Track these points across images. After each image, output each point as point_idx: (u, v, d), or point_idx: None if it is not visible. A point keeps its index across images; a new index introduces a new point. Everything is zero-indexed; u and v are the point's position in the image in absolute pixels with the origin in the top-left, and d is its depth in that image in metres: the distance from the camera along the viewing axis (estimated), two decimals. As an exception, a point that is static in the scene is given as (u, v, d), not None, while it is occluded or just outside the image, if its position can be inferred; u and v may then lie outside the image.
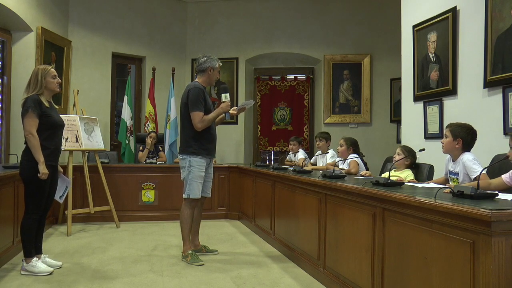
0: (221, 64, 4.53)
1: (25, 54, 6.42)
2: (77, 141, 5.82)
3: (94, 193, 5.91)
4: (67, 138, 5.71)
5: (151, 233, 5.64)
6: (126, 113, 7.42)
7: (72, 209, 5.59)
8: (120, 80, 8.29)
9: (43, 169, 3.67)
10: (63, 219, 5.96)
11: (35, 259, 3.82)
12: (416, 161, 4.18)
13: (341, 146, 5.12)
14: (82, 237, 5.35)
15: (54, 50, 6.92)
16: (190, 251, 4.27)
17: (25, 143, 3.75)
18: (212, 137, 4.40)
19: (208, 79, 4.41)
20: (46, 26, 6.68)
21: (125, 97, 7.49)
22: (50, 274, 3.79)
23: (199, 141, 4.27)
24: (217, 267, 4.07)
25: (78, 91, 6.42)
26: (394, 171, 4.09)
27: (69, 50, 7.33)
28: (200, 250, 4.50)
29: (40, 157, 3.66)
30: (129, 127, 7.40)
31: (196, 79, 4.44)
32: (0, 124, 6.22)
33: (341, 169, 4.89)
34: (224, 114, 4.40)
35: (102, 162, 6.10)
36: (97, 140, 6.12)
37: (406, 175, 3.98)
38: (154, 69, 7.84)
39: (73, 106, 6.29)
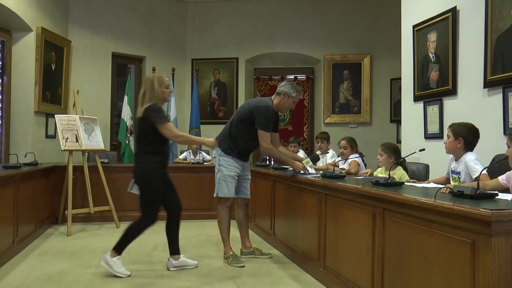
0: (301, 96, 4.41)
1: (25, 54, 6.43)
2: (77, 141, 5.82)
3: (94, 193, 5.90)
4: (67, 138, 5.71)
5: (151, 233, 5.58)
6: (126, 113, 7.41)
7: (72, 209, 5.58)
8: (120, 80, 8.29)
9: (209, 141, 3.97)
10: (63, 219, 5.95)
11: (117, 257, 3.83)
12: (407, 160, 4.16)
13: (345, 149, 5.06)
14: (82, 237, 5.35)
15: (54, 50, 6.92)
16: (231, 253, 4.22)
17: (137, 152, 3.80)
18: (251, 149, 4.38)
19: (279, 103, 4.28)
20: (46, 26, 6.68)
21: (125, 97, 7.48)
22: (129, 276, 3.78)
23: (237, 145, 4.24)
24: (217, 267, 4.06)
25: (78, 91, 6.42)
26: (385, 171, 4.11)
27: (69, 50, 7.33)
28: (252, 253, 4.46)
29: (197, 141, 4.04)
30: (129, 127, 7.38)
31: (272, 97, 4.35)
32: (0, 124, 6.22)
33: (342, 169, 4.88)
34: (290, 170, 4.35)
35: (102, 162, 6.09)
36: (97, 140, 6.12)
37: (401, 174, 3.97)
38: (154, 69, 7.83)
39: (73, 106, 6.29)
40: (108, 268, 3.78)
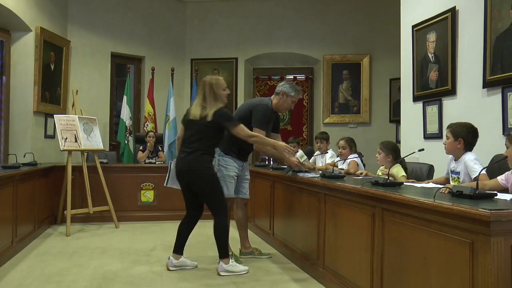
0: (300, 96, 4.41)
1: (24, 54, 6.43)
2: (76, 141, 5.82)
3: (93, 193, 5.90)
4: (66, 138, 5.71)
5: (151, 233, 5.64)
6: (125, 113, 7.42)
7: (71, 209, 5.58)
8: (119, 80, 8.29)
9: (280, 146, 4.02)
10: (62, 219, 5.95)
11: (232, 259, 3.93)
12: (406, 160, 4.17)
13: (344, 149, 5.06)
14: (81, 237, 5.35)
15: (53, 50, 6.92)
16: (230, 253, 4.13)
17: (193, 151, 3.80)
18: (250, 149, 4.37)
19: (278, 103, 4.29)
20: (45, 26, 6.68)
21: (124, 97, 7.49)
22: (247, 272, 3.90)
23: (237, 145, 4.22)
24: (216, 268, 4.06)
25: (77, 91, 6.41)
26: (383, 171, 4.11)
27: (68, 50, 7.33)
28: (251, 253, 4.46)
29: (269, 144, 4.02)
30: (128, 127, 7.39)
31: (272, 97, 4.36)
32: (-1, 124, 6.23)
33: (341, 169, 4.88)
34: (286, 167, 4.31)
35: (101, 162, 6.09)
36: (96, 140, 6.13)
37: (397, 171, 3.96)
38: (153, 69, 7.84)
39: (72, 106, 6.29)
40: (230, 274, 3.84)
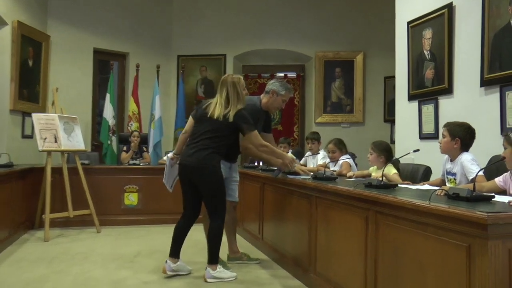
0: (291, 95, 4.40)
1: (0, 49, 6.35)
2: (56, 141, 5.77)
3: (74, 196, 5.84)
4: (45, 138, 5.66)
5: (135, 238, 5.60)
6: (108, 112, 7.38)
7: (50, 213, 5.52)
8: (102, 78, 8.24)
9: (287, 157, 4.14)
10: (40, 224, 5.87)
11: (219, 266, 3.91)
12: (401, 161, 4.18)
13: (333, 153, 5.08)
14: (60, 242, 5.30)
15: (31, 45, 6.86)
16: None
17: (204, 148, 3.82)
18: (239, 151, 4.36)
19: (268, 102, 4.29)
20: (22, 19, 6.61)
21: (107, 95, 7.44)
22: (235, 279, 3.90)
23: (228, 148, 4.20)
24: (203, 274, 4.04)
25: (57, 88, 6.36)
26: (376, 171, 4.14)
27: (48, 46, 7.27)
28: (240, 258, 4.45)
29: (279, 156, 4.11)
30: (111, 127, 7.35)
31: (261, 96, 4.36)
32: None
33: (333, 170, 4.89)
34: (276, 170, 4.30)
35: (82, 164, 6.04)
36: (77, 140, 6.07)
37: (388, 169, 3.96)
38: (138, 66, 7.80)
39: (52, 105, 6.23)
40: (217, 281, 3.82)
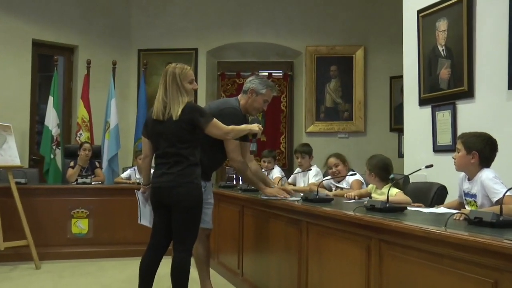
0: (274, 93, 4.40)
1: None
2: (-16, 155, 5.70)
3: (6, 223, 5.71)
4: (-29, 151, 5.57)
5: (83, 275, 5.52)
6: (52, 119, 7.34)
7: (-24, 244, 5.43)
8: (43, 76, 8.22)
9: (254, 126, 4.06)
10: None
11: None
12: (411, 179, 4.21)
13: (336, 166, 5.06)
14: (-13, 282, 5.20)
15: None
16: None
17: (176, 163, 3.79)
18: (216, 165, 4.39)
19: (246, 104, 4.29)
20: None
21: (50, 98, 7.41)
22: None
23: (200, 161, 4.13)
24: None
25: (-14, 89, 6.30)
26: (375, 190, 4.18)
27: (-25, 36, 7.20)
28: None
29: (243, 128, 4.04)
30: (55, 137, 7.31)
31: (239, 97, 4.37)
32: None
33: (341, 188, 4.90)
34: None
35: (17, 183, 5.95)
36: (11, 154, 5.99)
37: (392, 192, 3.96)
38: (89, 62, 7.77)
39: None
40: None
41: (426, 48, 5.28)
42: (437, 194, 4.07)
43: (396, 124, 8.21)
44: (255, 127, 4.04)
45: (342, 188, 4.91)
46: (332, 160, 5.11)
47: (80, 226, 6.33)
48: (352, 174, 4.90)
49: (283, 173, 6.42)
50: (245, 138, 4.35)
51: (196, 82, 7.98)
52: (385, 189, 3.91)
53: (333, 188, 5.12)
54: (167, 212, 3.85)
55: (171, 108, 3.76)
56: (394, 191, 3.98)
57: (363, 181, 4.92)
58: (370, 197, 4.11)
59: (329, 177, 5.15)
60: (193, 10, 8.61)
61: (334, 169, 5.09)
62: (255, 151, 4.35)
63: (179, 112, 3.73)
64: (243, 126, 4.02)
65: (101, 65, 8.01)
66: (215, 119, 3.83)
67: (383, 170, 4.17)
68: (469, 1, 4.71)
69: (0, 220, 5.68)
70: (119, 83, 8.09)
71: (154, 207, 3.96)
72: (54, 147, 7.29)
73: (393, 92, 8.38)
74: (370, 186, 4.35)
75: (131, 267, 5.57)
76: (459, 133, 4.51)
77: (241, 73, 8.94)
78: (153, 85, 8.44)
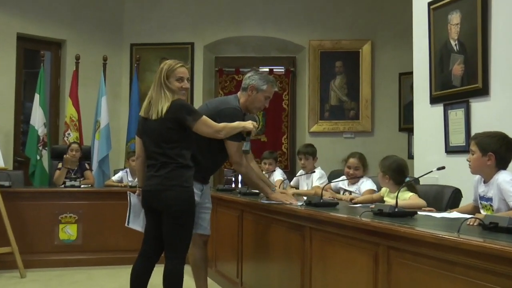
0: (275, 89, 4.39)
1: None
2: (-34, 156, 5.70)
3: (-11, 229, 5.75)
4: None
5: (71, 284, 5.53)
6: (38, 118, 7.35)
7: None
8: (29, 73, 8.22)
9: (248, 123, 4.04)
10: None
11: None
12: (419, 180, 4.19)
13: (356, 169, 5.00)
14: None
15: None
16: None
17: (163, 164, 3.80)
18: (215, 168, 4.40)
19: (246, 102, 4.29)
20: None
21: (36, 96, 7.43)
22: None
23: (195, 163, 4.11)
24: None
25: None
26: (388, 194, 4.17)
27: (-42, 30, 7.21)
28: None
29: (237, 126, 4.01)
30: (41, 137, 7.33)
31: (238, 95, 4.36)
32: None
33: (351, 192, 4.88)
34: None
35: (1, 186, 5.99)
36: (-6, 155, 6.01)
37: (405, 196, 3.96)
38: (78, 58, 7.78)
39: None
40: None
41: (437, 42, 5.28)
42: (450, 198, 4.07)
43: (406, 123, 8.21)
44: (249, 124, 4.02)
45: (351, 192, 4.89)
46: (354, 162, 5.02)
47: (68, 232, 6.33)
48: (369, 183, 4.89)
49: (285, 176, 6.42)
50: (238, 136, 4.33)
51: (192, 79, 8.03)
52: (399, 194, 3.90)
53: (341, 192, 5.10)
54: (157, 217, 3.87)
55: (153, 105, 3.77)
56: (408, 194, 3.97)
57: (375, 190, 4.88)
58: (383, 202, 4.09)
59: (342, 177, 5.11)
60: (189, 2, 8.61)
61: (352, 171, 5.04)
62: (248, 151, 4.30)
63: (164, 111, 3.73)
64: (236, 124, 3.99)
65: (91, 61, 8.02)
66: (204, 117, 3.82)
67: (397, 172, 4.13)
68: (484, -8, 4.71)
69: (-17, 225, 5.71)
70: (110, 79, 8.10)
71: (145, 212, 3.98)
72: (40, 148, 7.30)
73: (402, 89, 8.38)
74: (384, 189, 4.32)
75: (122, 275, 5.56)
76: (473, 133, 4.51)
77: (240, 69, 8.91)
78: (146, 82, 8.43)
